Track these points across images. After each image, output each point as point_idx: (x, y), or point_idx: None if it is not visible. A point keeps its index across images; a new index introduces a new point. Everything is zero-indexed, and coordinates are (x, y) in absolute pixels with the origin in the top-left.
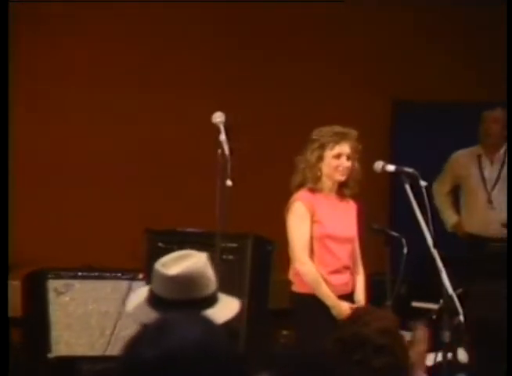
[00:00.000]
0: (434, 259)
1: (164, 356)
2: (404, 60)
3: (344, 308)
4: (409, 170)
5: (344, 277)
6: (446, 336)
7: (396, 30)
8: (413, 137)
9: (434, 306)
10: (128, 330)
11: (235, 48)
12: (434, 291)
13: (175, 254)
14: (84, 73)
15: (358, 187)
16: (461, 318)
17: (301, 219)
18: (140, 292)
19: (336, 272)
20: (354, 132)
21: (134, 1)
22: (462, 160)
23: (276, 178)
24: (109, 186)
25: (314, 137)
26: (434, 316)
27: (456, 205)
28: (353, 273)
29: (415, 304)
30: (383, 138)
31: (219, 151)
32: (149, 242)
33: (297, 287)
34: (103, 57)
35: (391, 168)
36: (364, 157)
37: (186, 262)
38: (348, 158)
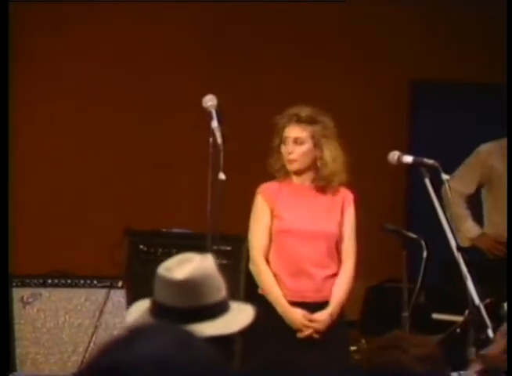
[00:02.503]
0: (458, 264)
1: (112, 368)
2: (421, 38)
3: (295, 316)
4: (429, 161)
5: (309, 281)
6: (472, 353)
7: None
8: (434, 123)
9: (458, 318)
10: None
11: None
12: (458, 300)
13: (178, 258)
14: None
15: (334, 180)
16: (489, 332)
17: (260, 215)
18: (139, 303)
19: (297, 274)
20: (308, 111)
21: None
22: (492, 154)
23: None
24: (84, 180)
25: (276, 119)
26: (458, 330)
27: (476, 214)
28: (332, 276)
29: (436, 316)
30: (399, 123)
31: (210, 140)
32: (130, 244)
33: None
34: (97, 51)
35: (408, 159)
36: (377, 146)
37: (193, 264)
38: (299, 142)
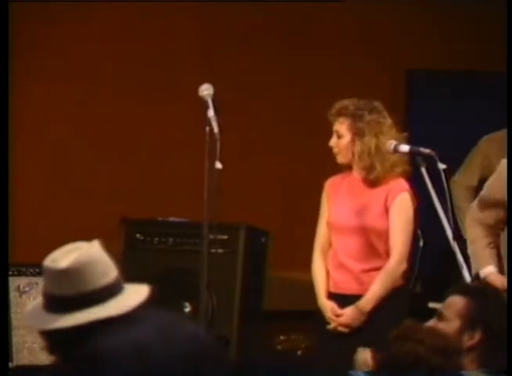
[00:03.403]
0: (454, 253)
1: (92, 354)
2: (418, 28)
3: (325, 310)
4: (426, 150)
5: (348, 274)
6: None
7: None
8: (432, 112)
9: None
10: None
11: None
12: None
13: (64, 248)
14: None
15: (374, 173)
16: None
17: (321, 209)
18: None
19: (338, 266)
20: (346, 104)
21: None
22: (493, 146)
23: (273, 160)
24: (81, 169)
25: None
26: None
27: None
28: (374, 270)
29: (432, 305)
30: (395, 113)
31: (207, 129)
32: (126, 233)
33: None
34: (96, 43)
35: (404, 148)
36: None
37: (76, 253)
38: (339, 136)
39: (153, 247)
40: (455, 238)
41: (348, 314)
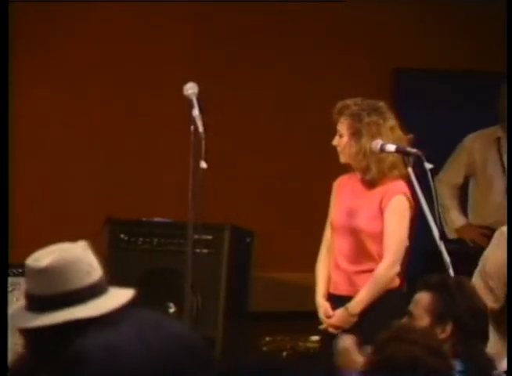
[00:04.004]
0: (440, 254)
1: (69, 356)
2: (405, 24)
3: (319, 309)
4: (412, 150)
5: (343, 274)
6: None
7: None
8: (418, 111)
9: None
10: None
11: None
12: None
13: (49, 248)
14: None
15: (370, 173)
16: None
17: (330, 207)
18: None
19: (335, 267)
20: (346, 104)
21: None
22: (477, 143)
23: (259, 160)
24: (66, 169)
25: None
26: None
27: (464, 205)
28: (368, 272)
29: None
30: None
31: (192, 128)
32: (111, 234)
33: None
34: (84, 44)
35: (390, 147)
36: None
37: (57, 252)
38: (340, 135)
39: (138, 248)
40: (442, 238)
41: (338, 316)
